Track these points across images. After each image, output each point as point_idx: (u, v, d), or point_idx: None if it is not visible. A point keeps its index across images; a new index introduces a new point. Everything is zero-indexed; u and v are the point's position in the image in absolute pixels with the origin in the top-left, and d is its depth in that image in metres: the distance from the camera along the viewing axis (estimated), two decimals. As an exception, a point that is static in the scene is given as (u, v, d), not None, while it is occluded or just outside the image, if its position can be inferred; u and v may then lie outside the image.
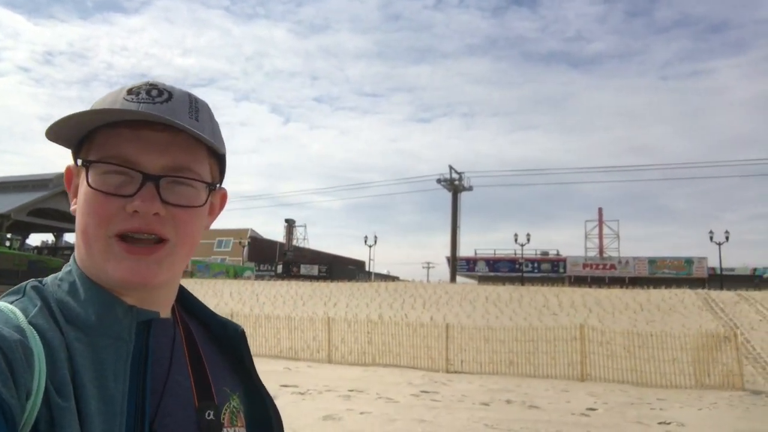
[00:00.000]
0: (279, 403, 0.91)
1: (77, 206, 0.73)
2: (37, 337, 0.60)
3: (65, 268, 0.73)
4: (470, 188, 55.90)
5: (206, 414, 0.74)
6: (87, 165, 0.71)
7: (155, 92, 0.73)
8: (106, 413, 0.62)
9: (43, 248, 46.67)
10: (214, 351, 0.83)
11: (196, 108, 0.75)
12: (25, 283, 0.70)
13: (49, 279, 0.72)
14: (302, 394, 11.71)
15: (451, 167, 55.29)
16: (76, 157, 0.75)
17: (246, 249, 60.32)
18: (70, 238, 47.78)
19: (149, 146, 0.70)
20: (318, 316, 21.64)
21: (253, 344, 19.25)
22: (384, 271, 74.43)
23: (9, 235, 40.53)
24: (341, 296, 30.19)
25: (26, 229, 43.20)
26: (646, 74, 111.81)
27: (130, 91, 0.73)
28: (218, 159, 0.79)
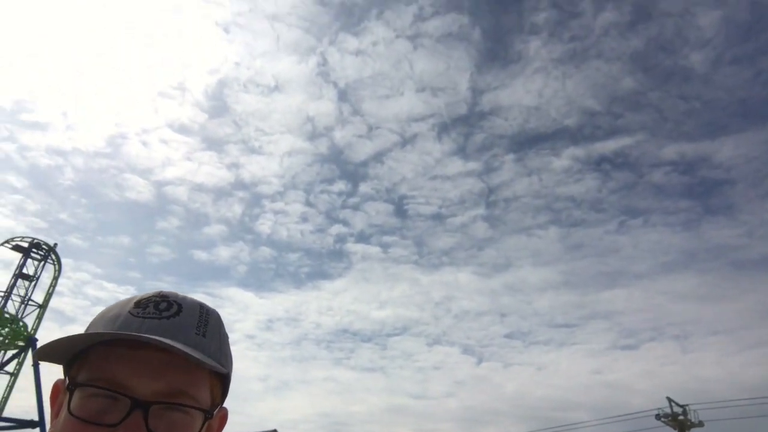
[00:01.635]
0: None
1: None
2: None
3: None
4: (700, 424, 47.08)
5: None
6: (72, 389, 0.66)
7: (164, 305, 0.71)
8: None
9: None
10: None
11: (206, 321, 0.72)
12: None
13: None
14: None
15: (670, 399, 48.04)
16: (66, 373, 0.70)
17: None
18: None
19: (144, 368, 0.66)
20: None
21: None
22: None
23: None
24: None
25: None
26: None
27: (138, 304, 0.71)
28: (222, 377, 0.74)
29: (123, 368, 0.65)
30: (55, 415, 0.70)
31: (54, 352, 0.68)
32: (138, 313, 0.69)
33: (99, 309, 0.75)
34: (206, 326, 0.72)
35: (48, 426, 0.72)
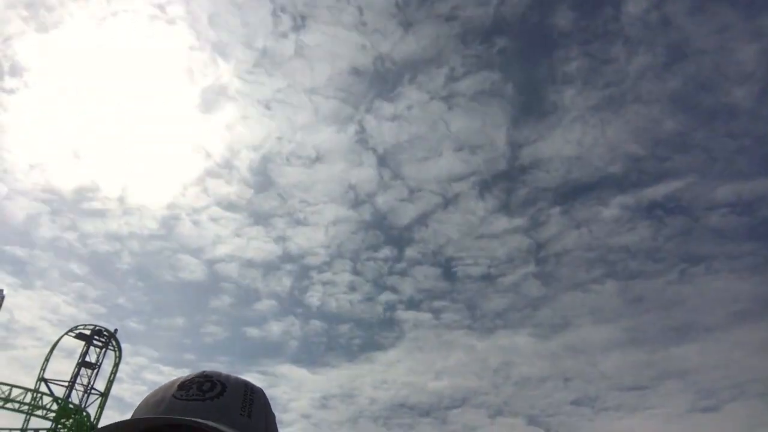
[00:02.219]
0: None
1: None
2: None
3: None
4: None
5: None
6: None
7: (207, 386, 0.69)
8: None
9: None
10: None
11: (250, 401, 0.70)
12: None
13: None
14: None
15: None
16: None
17: None
18: None
19: None
20: None
21: None
22: None
23: None
24: None
25: None
26: None
27: (181, 386, 0.70)
28: None
29: None
30: None
31: None
32: (181, 395, 0.68)
33: (156, 394, 0.75)
34: (251, 406, 0.70)
35: None
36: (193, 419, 0.63)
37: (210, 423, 0.63)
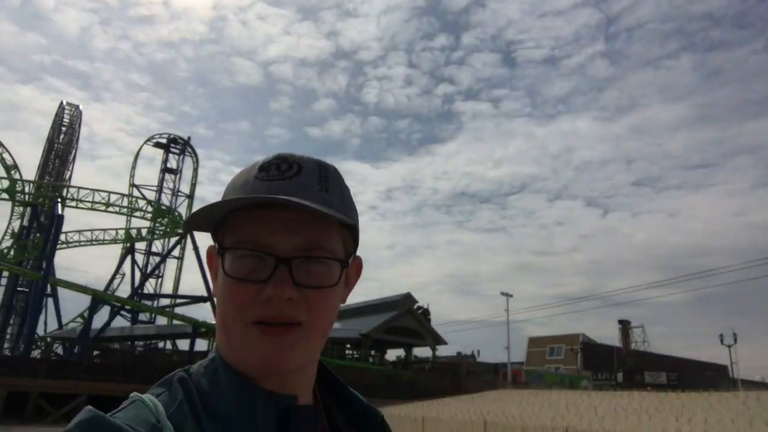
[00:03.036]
0: None
1: (216, 292, 0.74)
2: None
3: (210, 355, 0.75)
4: None
5: None
6: (223, 252, 0.72)
7: (285, 166, 0.73)
8: None
9: (397, 363, 53.01)
10: None
11: (326, 177, 0.74)
12: (173, 373, 0.72)
13: (195, 367, 0.73)
14: None
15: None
16: (214, 239, 0.76)
17: (579, 356, 57.54)
18: (417, 352, 53.12)
19: (280, 226, 0.70)
20: (669, 432, 18.98)
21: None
22: (756, 378, 61.04)
23: (372, 352, 47.55)
24: (697, 409, 25.76)
25: (384, 346, 50.05)
26: None
27: (261, 168, 0.74)
28: (350, 228, 0.76)
29: (262, 228, 0.70)
30: (214, 277, 0.76)
31: (198, 222, 0.73)
32: (263, 176, 0.73)
33: (236, 195, 0.77)
34: (327, 181, 0.75)
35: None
36: (279, 197, 0.68)
37: (293, 199, 0.68)
